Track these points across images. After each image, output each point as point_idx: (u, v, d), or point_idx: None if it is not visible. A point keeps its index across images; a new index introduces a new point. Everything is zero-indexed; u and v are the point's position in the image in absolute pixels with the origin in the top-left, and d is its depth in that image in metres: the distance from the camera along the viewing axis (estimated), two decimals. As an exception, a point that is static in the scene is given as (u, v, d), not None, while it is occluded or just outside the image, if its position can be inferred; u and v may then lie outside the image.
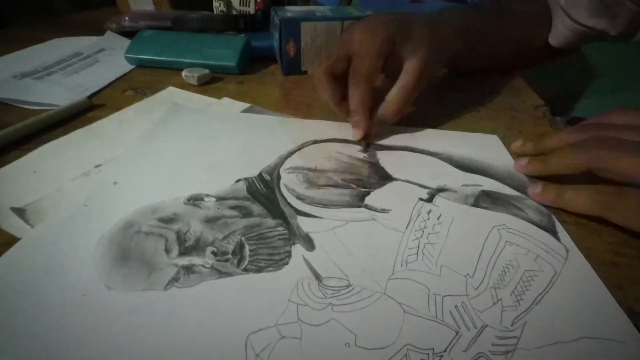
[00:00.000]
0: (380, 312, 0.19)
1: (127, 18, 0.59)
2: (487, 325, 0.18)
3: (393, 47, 0.32)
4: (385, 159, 0.31)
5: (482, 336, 0.18)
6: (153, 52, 0.48)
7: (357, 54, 0.32)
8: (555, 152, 0.27)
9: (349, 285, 0.20)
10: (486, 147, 0.33)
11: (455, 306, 0.19)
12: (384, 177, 0.28)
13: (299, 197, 0.26)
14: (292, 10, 0.46)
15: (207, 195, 0.26)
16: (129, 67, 0.49)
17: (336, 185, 0.27)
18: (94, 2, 0.83)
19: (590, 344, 0.17)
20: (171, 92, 0.42)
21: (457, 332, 0.18)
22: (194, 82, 0.44)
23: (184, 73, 0.44)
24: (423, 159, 0.31)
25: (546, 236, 0.23)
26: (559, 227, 0.24)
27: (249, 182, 0.27)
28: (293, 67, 0.47)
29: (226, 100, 0.40)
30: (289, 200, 0.26)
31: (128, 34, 0.57)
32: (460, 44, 0.38)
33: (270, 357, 0.17)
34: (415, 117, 0.37)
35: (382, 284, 0.20)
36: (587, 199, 0.24)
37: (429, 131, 0.35)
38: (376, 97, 0.32)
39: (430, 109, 0.39)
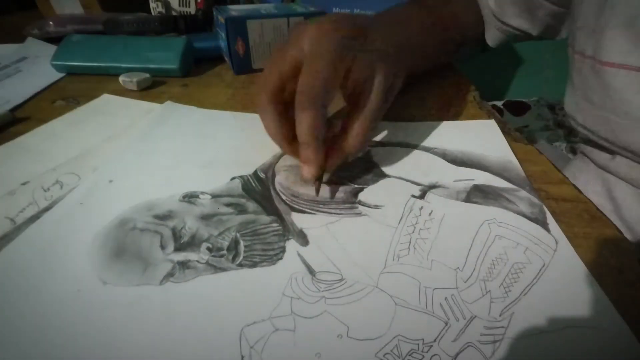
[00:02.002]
0: (372, 304, 0.19)
1: (51, 23, 0.54)
2: (475, 316, 0.19)
3: (354, 57, 0.24)
4: (379, 155, 0.31)
5: (470, 327, 0.18)
6: (84, 57, 0.45)
7: (308, 67, 0.23)
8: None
9: (341, 279, 0.20)
10: (482, 135, 0.33)
11: (445, 298, 0.19)
12: (378, 174, 0.29)
13: (294, 195, 0.26)
14: (235, 9, 0.47)
15: (203, 193, 0.26)
16: (57, 75, 0.45)
17: (330, 182, 0.28)
18: (9, 7, 0.75)
19: (576, 333, 0.18)
20: (106, 100, 0.40)
21: (446, 323, 0.18)
22: (133, 87, 0.41)
23: (121, 78, 0.41)
24: (416, 155, 0.31)
25: (536, 228, 0.24)
26: (550, 219, 0.25)
27: (244, 180, 0.28)
28: (244, 66, 0.47)
29: (170, 105, 0.39)
30: (283, 197, 0.26)
31: (53, 40, 0.53)
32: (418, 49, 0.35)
33: (264, 349, 0.17)
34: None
35: (374, 277, 0.21)
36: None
37: (422, 124, 0.36)
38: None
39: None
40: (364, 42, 0.26)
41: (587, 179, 0.38)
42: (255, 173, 0.29)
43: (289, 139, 0.26)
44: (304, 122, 0.23)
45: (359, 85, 0.26)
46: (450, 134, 0.34)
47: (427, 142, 0.33)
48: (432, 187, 0.28)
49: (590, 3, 0.30)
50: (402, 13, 0.38)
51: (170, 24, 0.54)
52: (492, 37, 0.45)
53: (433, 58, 0.43)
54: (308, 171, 0.24)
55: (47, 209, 0.24)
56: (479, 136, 0.33)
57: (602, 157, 0.36)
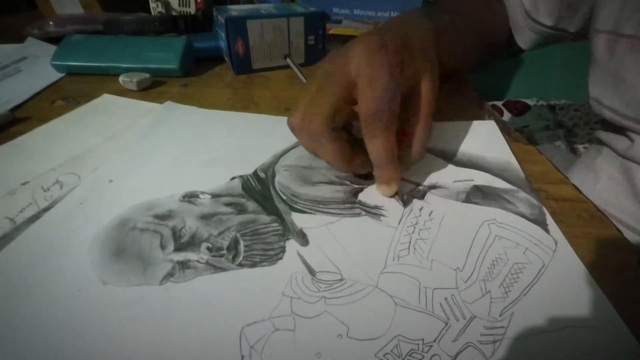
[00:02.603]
0: (372, 304, 0.19)
1: (51, 23, 0.54)
2: (475, 316, 0.19)
3: (404, 70, 0.25)
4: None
5: (470, 327, 0.18)
6: (84, 57, 0.45)
7: (367, 91, 0.23)
8: None
9: (341, 279, 0.20)
10: (481, 136, 0.33)
11: (445, 298, 0.19)
12: (377, 174, 0.29)
13: (294, 194, 0.27)
14: (236, 9, 0.47)
15: (203, 193, 0.26)
16: (57, 75, 0.45)
17: (330, 182, 0.28)
18: (10, 7, 0.76)
19: (576, 333, 0.18)
20: (106, 100, 0.40)
21: (446, 323, 0.18)
22: (133, 87, 0.41)
23: (121, 78, 0.41)
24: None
25: (536, 229, 0.24)
26: (549, 220, 0.25)
27: (244, 180, 0.28)
28: (244, 66, 0.47)
29: (169, 105, 0.39)
30: (283, 197, 0.26)
31: (53, 40, 0.53)
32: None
33: (264, 349, 0.17)
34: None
35: (374, 277, 0.21)
36: None
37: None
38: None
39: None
40: (408, 52, 0.25)
41: (602, 167, 0.38)
42: (255, 173, 0.29)
43: (347, 159, 0.25)
44: (378, 147, 0.24)
45: (408, 93, 0.26)
46: (450, 135, 0.34)
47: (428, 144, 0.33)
48: (432, 187, 0.28)
49: None
50: (414, 14, 0.36)
51: (170, 24, 0.54)
52: (525, 39, 0.45)
53: (463, 58, 0.42)
54: (389, 190, 0.25)
55: (47, 209, 0.24)
56: (478, 137, 0.33)
57: (622, 144, 0.36)
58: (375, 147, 0.24)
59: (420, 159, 0.27)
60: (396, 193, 0.26)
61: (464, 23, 0.41)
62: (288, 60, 0.44)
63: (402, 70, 0.24)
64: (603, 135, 0.40)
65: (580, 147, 0.65)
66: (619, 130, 0.36)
